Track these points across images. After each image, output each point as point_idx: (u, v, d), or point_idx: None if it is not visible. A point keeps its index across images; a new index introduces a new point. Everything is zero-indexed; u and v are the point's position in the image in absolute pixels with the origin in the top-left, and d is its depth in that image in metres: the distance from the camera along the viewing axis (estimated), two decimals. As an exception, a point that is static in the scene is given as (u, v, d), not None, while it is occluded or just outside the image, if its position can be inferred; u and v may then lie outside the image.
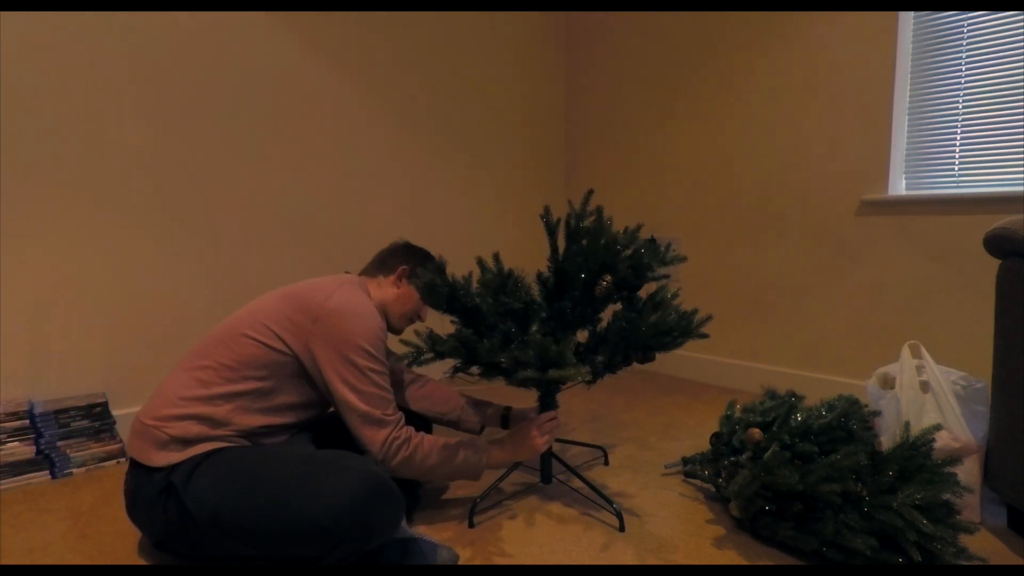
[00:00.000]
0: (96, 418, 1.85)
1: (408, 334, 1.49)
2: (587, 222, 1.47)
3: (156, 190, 2.03)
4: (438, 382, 1.71)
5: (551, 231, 1.48)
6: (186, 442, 1.18)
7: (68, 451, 1.77)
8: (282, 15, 2.26)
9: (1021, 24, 1.87)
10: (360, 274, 1.54)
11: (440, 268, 1.46)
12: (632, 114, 2.99)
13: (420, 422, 1.62)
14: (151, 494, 1.16)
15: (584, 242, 1.46)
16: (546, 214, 1.48)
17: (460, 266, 2.84)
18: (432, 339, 1.44)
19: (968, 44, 1.98)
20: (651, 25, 2.86)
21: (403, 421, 1.32)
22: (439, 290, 1.43)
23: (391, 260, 1.52)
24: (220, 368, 1.23)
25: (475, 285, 1.46)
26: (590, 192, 1.51)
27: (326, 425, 1.47)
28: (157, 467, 1.16)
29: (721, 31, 2.59)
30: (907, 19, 2.10)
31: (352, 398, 1.26)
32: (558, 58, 3.26)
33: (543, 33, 3.17)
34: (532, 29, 3.12)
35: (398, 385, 1.65)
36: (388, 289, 1.50)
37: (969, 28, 1.97)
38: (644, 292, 1.53)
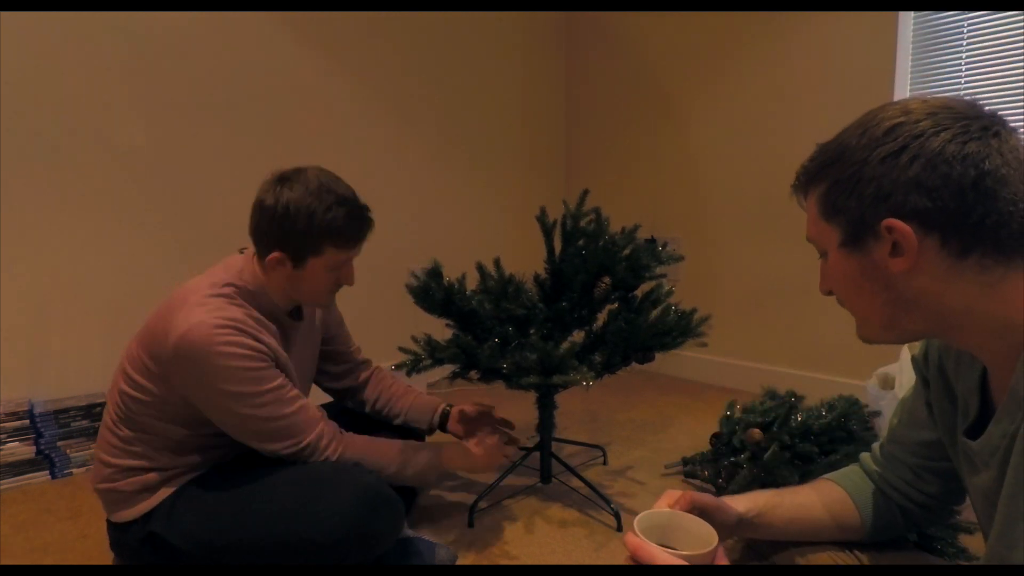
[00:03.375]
0: (96, 418, 1.85)
1: (406, 341, 1.45)
2: (584, 222, 1.47)
3: (156, 190, 2.03)
4: (387, 375, 1.52)
5: (547, 233, 1.48)
6: (150, 488, 1.11)
7: (68, 451, 1.77)
8: (281, 15, 2.25)
9: (1021, 24, 1.87)
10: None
11: (435, 272, 1.45)
12: (632, 114, 2.99)
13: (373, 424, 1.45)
14: (133, 545, 1.13)
15: (581, 242, 1.46)
16: (542, 215, 1.47)
17: (460, 266, 2.83)
18: (431, 346, 1.42)
19: (968, 44, 1.98)
20: (651, 25, 2.86)
21: (324, 438, 1.13)
22: (434, 294, 1.43)
23: (258, 242, 1.13)
24: (127, 419, 1.11)
25: (471, 288, 1.45)
26: (585, 192, 1.49)
27: None
28: (131, 521, 1.11)
29: (721, 31, 2.59)
30: (907, 19, 2.10)
31: (254, 443, 1.10)
32: (558, 58, 3.26)
33: (543, 33, 3.17)
34: (532, 29, 3.12)
35: (357, 390, 1.47)
36: (274, 273, 1.13)
37: (969, 28, 1.97)
38: (639, 291, 1.53)
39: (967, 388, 0.62)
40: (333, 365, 1.44)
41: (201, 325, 1.02)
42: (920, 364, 0.71)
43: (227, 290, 1.10)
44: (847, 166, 0.55)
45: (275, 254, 1.10)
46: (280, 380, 1.10)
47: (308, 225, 1.08)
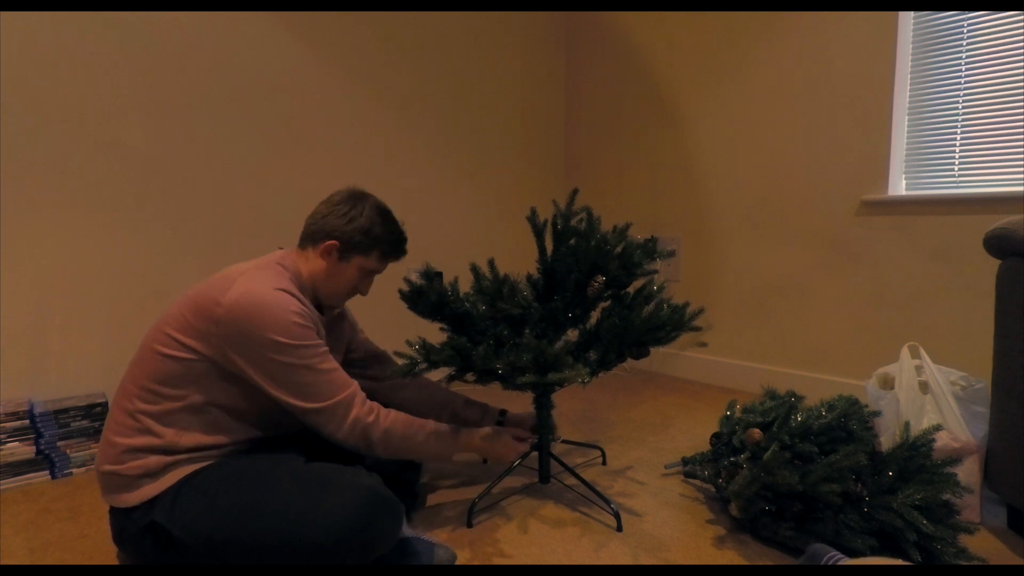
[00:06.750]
0: (96, 418, 1.85)
1: (401, 345, 1.47)
2: (574, 221, 1.47)
3: (156, 190, 2.03)
4: (433, 383, 1.65)
5: (538, 233, 1.48)
6: (153, 474, 1.12)
7: (68, 451, 1.77)
8: (281, 15, 2.26)
9: (1021, 24, 1.87)
10: (298, 246, 1.37)
11: (429, 275, 1.45)
12: (632, 114, 2.99)
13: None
14: (134, 532, 1.13)
15: (573, 242, 1.46)
16: (532, 216, 1.47)
17: (460, 266, 2.84)
18: (426, 349, 1.42)
19: (968, 44, 1.98)
20: (651, 25, 2.86)
21: (359, 397, 1.22)
22: (427, 297, 1.43)
23: (317, 231, 1.31)
24: (141, 392, 1.14)
25: (465, 290, 1.45)
26: (575, 191, 1.51)
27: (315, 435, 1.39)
28: (134, 506, 1.12)
29: (721, 31, 2.59)
30: (907, 19, 2.10)
31: (291, 399, 1.16)
32: (558, 58, 3.26)
33: (543, 33, 3.17)
34: (532, 29, 3.12)
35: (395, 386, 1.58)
36: (316, 262, 1.31)
37: (969, 28, 1.97)
38: (631, 287, 1.53)
39: None
40: (362, 360, 1.56)
41: (260, 286, 1.15)
42: None
43: (278, 268, 1.24)
44: None
45: (331, 242, 1.28)
46: (322, 344, 1.21)
47: (370, 227, 1.31)
